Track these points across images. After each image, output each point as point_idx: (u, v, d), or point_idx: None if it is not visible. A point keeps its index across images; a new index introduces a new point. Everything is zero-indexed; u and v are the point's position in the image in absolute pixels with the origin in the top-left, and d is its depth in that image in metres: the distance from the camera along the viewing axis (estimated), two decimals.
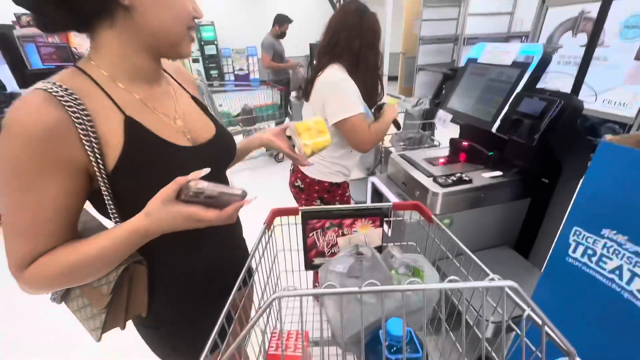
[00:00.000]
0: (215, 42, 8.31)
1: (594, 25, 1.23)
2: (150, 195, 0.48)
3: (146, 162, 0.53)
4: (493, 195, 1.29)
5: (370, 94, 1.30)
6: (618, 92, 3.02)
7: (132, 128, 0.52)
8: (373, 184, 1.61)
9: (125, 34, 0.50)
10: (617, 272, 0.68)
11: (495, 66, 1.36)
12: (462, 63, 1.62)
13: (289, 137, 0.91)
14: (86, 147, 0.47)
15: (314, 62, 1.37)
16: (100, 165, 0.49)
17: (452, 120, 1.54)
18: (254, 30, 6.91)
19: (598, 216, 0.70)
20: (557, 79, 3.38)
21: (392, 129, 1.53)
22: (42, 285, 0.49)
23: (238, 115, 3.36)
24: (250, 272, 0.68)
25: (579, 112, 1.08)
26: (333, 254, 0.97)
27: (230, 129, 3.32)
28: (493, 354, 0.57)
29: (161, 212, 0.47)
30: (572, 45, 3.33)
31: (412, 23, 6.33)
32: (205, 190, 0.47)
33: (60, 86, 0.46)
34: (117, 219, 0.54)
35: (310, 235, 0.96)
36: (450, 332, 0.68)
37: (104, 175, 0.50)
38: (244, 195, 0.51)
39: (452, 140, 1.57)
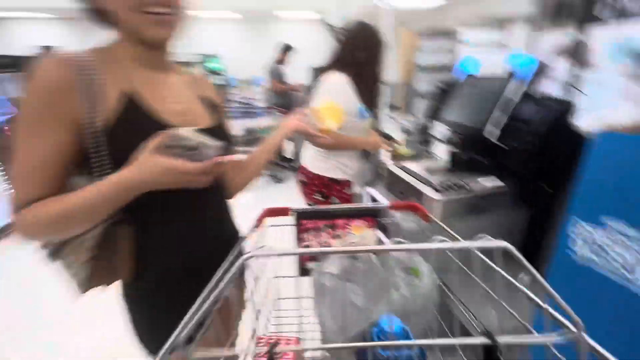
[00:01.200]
0: (223, 73, 8.74)
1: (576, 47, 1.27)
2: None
3: (134, 132, 0.56)
4: (494, 203, 1.26)
5: (373, 101, 1.43)
6: (611, 110, 3.05)
7: (129, 98, 0.58)
8: (371, 195, 1.58)
9: (120, 28, 0.60)
10: (627, 268, 0.64)
11: (492, 78, 1.39)
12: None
13: None
14: (85, 105, 0.53)
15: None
16: (91, 123, 0.54)
17: (449, 132, 1.54)
18: (258, 61, 7.37)
19: (598, 206, 0.67)
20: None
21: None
22: (33, 229, 0.55)
23: (242, 136, 3.45)
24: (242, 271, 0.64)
25: (574, 114, 1.08)
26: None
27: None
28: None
29: (146, 162, 0.51)
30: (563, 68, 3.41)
31: (410, 54, 6.62)
32: (184, 138, 0.50)
33: (79, 56, 0.55)
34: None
35: (303, 237, 0.93)
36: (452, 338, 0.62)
37: (92, 132, 0.54)
38: (221, 148, 0.54)
39: (450, 152, 1.57)
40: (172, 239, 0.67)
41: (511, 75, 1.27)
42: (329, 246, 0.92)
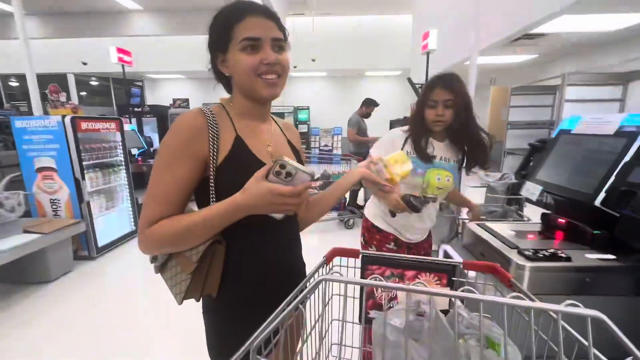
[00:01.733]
0: (308, 122, 9.74)
1: None
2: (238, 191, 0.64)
3: (240, 166, 0.70)
4: (604, 283, 1.04)
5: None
6: None
7: (238, 142, 0.73)
8: (445, 252, 1.47)
9: (236, 87, 0.77)
10: None
11: (594, 136, 1.24)
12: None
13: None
14: (210, 145, 0.68)
15: None
16: (214, 158, 0.69)
17: (543, 195, 1.38)
18: (341, 113, 8.04)
19: None
20: None
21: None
22: (156, 242, 0.67)
23: (317, 179, 3.68)
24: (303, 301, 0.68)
25: None
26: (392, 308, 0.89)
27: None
28: None
29: (253, 187, 0.62)
30: None
31: (498, 110, 6.29)
32: (287, 164, 0.61)
33: (208, 109, 0.73)
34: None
35: None
36: None
37: (214, 166, 0.68)
38: (313, 176, 0.63)
39: (544, 215, 1.38)
40: (252, 261, 0.77)
41: (621, 134, 1.12)
42: (395, 299, 0.89)
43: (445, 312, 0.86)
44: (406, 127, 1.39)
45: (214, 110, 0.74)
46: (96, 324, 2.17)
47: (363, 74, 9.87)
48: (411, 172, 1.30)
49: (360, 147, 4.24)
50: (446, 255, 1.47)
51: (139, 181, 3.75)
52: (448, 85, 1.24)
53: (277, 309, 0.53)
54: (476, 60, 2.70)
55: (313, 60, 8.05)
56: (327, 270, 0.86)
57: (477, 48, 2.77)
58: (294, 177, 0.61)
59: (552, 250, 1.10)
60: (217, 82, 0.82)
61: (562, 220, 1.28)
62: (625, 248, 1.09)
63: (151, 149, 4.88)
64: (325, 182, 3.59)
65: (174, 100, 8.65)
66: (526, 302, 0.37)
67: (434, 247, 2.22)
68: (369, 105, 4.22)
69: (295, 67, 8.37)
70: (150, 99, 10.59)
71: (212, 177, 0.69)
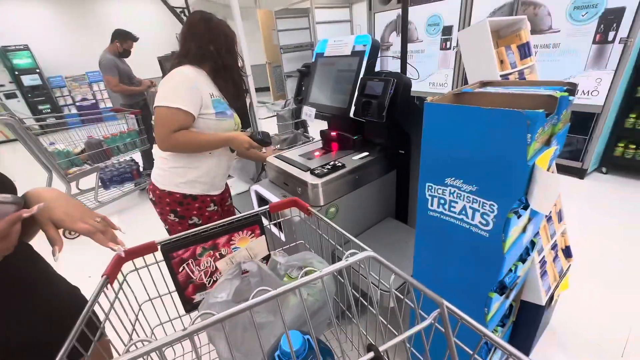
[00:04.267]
0: (38, 70, 6.62)
1: (402, 24, 1.48)
2: None
3: None
4: (366, 175, 1.38)
5: (236, 94, 1.31)
6: (436, 76, 3.82)
7: None
8: (256, 192, 1.51)
9: None
10: (463, 211, 0.78)
11: (339, 57, 1.47)
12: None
13: None
14: None
15: None
16: None
17: (317, 114, 1.59)
18: (89, 52, 5.87)
19: (440, 168, 0.80)
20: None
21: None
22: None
23: (83, 151, 2.71)
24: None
25: (409, 87, 1.25)
26: (216, 283, 0.82)
27: (75, 169, 2.64)
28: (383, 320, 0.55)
29: None
30: (398, 42, 4.04)
31: (270, 34, 6.55)
32: None
33: None
34: None
35: (181, 269, 0.79)
36: (356, 320, 0.64)
37: None
38: (17, 202, 0.43)
39: (321, 133, 1.62)
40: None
41: (355, 54, 1.37)
42: (216, 271, 0.81)
43: (267, 258, 0.88)
44: (190, 66, 1.17)
45: None
46: None
47: None
48: (220, 115, 1.18)
49: (131, 97, 3.33)
50: (257, 195, 1.51)
51: None
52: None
53: None
54: None
55: None
56: (117, 288, 0.66)
57: None
58: None
59: (332, 163, 1.32)
60: None
61: (333, 134, 1.55)
62: (372, 144, 1.47)
63: None
64: (94, 152, 2.69)
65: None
66: (328, 269, 0.37)
67: (245, 187, 2.27)
68: (124, 38, 3.16)
69: None
70: None
71: None
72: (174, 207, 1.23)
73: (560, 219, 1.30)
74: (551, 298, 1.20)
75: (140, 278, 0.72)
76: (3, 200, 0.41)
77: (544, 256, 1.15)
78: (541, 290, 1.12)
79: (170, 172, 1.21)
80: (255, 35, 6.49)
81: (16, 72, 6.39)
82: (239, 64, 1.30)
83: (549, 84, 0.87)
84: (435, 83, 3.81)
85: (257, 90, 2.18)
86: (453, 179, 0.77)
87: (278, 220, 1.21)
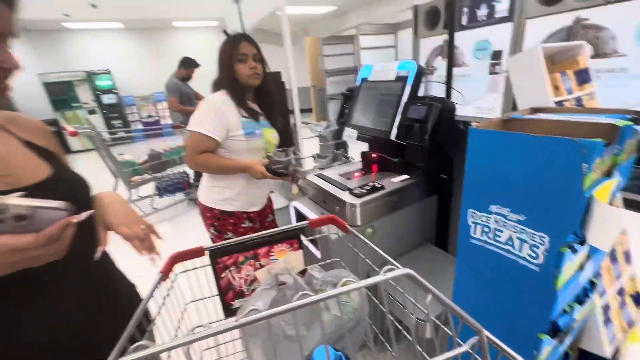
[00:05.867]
0: (116, 91, 7.68)
1: (448, 49, 1.49)
2: None
3: None
4: (405, 198, 1.36)
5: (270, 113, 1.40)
6: (483, 100, 3.70)
7: None
8: (295, 209, 1.56)
9: None
10: (510, 242, 0.74)
11: (383, 82, 1.51)
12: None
13: None
14: None
15: None
16: None
17: (359, 137, 1.62)
18: (156, 75, 6.72)
19: (484, 195, 0.77)
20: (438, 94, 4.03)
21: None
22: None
23: (145, 162, 3.04)
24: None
25: (454, 110, 1.24)
26: (254, 292, 0.86)
27: (137, 178, 2.96)
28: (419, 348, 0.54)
29: None
30: (443, 66, 4.01)
31: (316, 59, 6.89)
32: (9, 207, 0.37)
33: None
34: None
35: (223, 275, 0.84)
36: (389, 346, 0.63)
37: None
38: (68, 208, 0.42)
39: (362, 154, 1.65)
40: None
41: (399, 79, 1.40)
42: (255, 280, 0.86)
43: (303, 272, 0.91)
44: (221, 92, 1.28)
45: None
46: None
47: (171, 25, 8.32)
48: (249, 136, 1.27)
49: (189, 116, 3.71)
50: (296, 211, 1.56)
51: None
52: (251, 39, 1.26)
53: None
54: (286, 9, 2.70)
55: (93, 6, 5.96)
56: (169, 285, 0.73)
57: None
58: (34, 219, 0.40)
59: (371, 184, 1.33)
60: None
61: (374, 155, 1.57)
62: (413, 168, 1.46)
63: None
64: (156, 163, 3.01)
65: None
66: (363, 283, 0.39)
67: (285, 203, 2.35)
68: (188, 66, 3.59)
69: (67, 15, 6.06)
70: None
71: None
72: (213, 221, 1.34)
73: (628, 261, 1.16)
74: (617, 350, 1.05)
75: (187, 280, 0.78)
76: (56, 206, 0.43)
77: (607, 301, 1.02)
78: (604, 339, 0.99)
79: (211, 189, 1.32)
80: (302, 59, 6.87)
81: (97, 92, 7.46)
82: (265, 70, 1.31)
83: (611, 112, 0.81)
84: (483, 108, 3.68)
85: (302, 111, 2.31)
86: (499, 206, 0.74)
87: (315, 237, 1.23)
